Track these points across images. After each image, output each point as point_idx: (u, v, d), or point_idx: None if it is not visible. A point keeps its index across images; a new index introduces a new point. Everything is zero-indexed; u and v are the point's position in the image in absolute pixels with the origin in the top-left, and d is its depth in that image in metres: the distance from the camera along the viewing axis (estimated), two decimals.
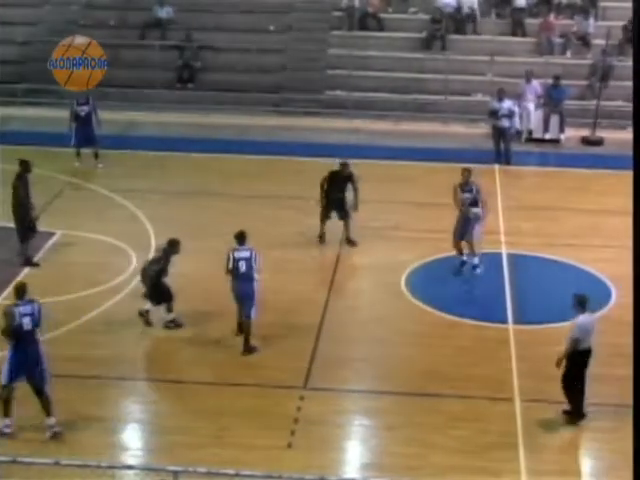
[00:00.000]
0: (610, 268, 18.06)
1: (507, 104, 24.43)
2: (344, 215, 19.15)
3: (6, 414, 13.08)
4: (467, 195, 17.81)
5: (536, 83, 26.39)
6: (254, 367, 15.12)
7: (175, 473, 10.28)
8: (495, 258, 18.58)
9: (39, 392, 13.04)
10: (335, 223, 19.26)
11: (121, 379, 14.82)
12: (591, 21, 28.96)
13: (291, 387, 14.47)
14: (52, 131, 24.64)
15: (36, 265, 18.25)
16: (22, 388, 13.08)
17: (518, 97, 25.78)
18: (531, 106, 26.14)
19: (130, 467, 12.32)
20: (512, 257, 18.83)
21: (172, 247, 15.86)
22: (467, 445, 13.15)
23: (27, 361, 12.96)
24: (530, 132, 26.36)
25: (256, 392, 14.36)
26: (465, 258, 18.00)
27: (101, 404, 14.03)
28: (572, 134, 26.39)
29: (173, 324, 16.15)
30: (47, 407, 13.09)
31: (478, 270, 17.92)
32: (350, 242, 19.29)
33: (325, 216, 19.07)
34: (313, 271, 18.68)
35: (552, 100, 26.27)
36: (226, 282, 15.79)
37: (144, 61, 28.96)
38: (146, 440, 13.65)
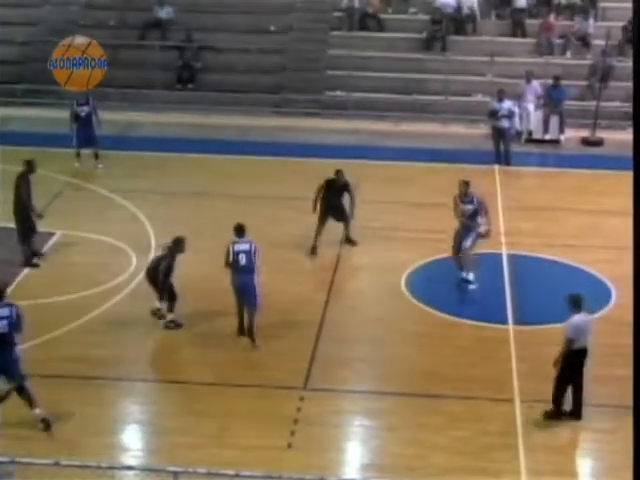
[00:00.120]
0: (610, 269, 18.06)
1: (507, 105, 24.43)
2: (344, 219, 19.09)
3: None
4: (468, 207, 17.40)
5: (536, 84, 26.39)
6: (254, 368, 15.12)
7: (175, 474, 10.27)
8: (495, 258, 18.57)
9: (20, 390, 13.01)
10: (334, 224, 19.20)
11: (121, 379, 14.81)
12: (591, 21, 28.96)
13: (291, 387, 14.46)
14: (52, 131, 24.64)
15: (36, 266, 18.25)
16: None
17: (518, 98, 25.78)
18: (531, 107, 26.14)
19: (130, 468, 12.31)
20: (512, 257, 18.83)
21: (178, 245, 15.84)
22: (467, 446, 13.14)
23: (4, 364, 12.92)
24: (530, 133, 26.35)
25: (256, 393, 14.36)
26: (464, 275, 17.56)
27: (101, 404, 14.02)
28: (572, 135, 26.39)
29: (173, 324, 16.14)
30: (30, 401, 13.06)
31: (471, 287, 17.43)
32: (350, 241, 19.28)
33: (321, 224, 18.86)
34: (313, 271, 18.68)
35: (552, 101, 26.27)
36: (226, 283, 15.81)
37: (144, 61, 28.93)
38: (146, 440, 13.65)
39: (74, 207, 21.12)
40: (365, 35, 29.55)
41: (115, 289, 17.33)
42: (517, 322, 16.42)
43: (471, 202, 17.38)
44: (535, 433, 13.48)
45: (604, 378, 14.49)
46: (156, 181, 22.58)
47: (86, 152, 23.53)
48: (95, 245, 19.19)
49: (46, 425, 13.15)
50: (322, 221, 18.85)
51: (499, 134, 24.47)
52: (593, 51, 28.22)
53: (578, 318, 13.44)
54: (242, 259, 15.42)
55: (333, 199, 18.80)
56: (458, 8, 29.47)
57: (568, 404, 13.75)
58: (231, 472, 10.39)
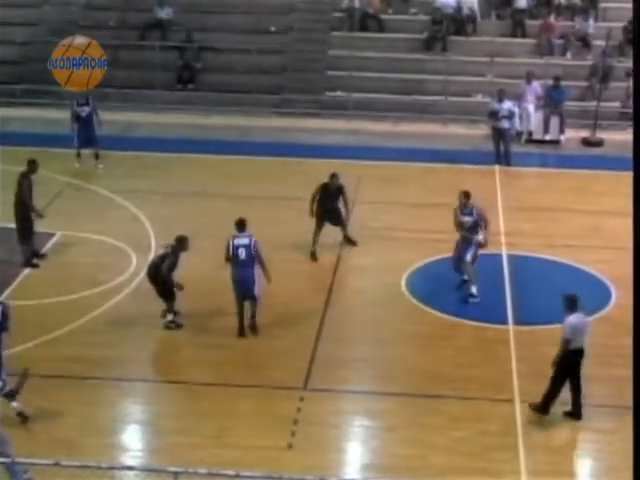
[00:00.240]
0: (610, 269, 18.06)
1: (507, 105, 24.43)
2: (340, 223, 19.05)
3: None
4: (467, 218, 17.09)
5: (536, 84, 26.39)
6: (254, 368, 15.12)
7: (175, 474, 10.27)
8: (495, 259, 18.56)
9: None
10: (332, 227, 19.13)
11: (121, 380, 14.81)
12: (591, 22, 28.95)
13: (291, 388, 14.46)
14: (51, 132, 24.67)
15: (36, 266, 18.25)
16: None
17: (518, 98, 25.79)
18: (531, 107, 26.14)
19: (130, 468, 12.33)
20: (512, 258, 18.82)
21: (181, 244, 15.84)
22: (467, 446, 13.15)
23: None
24: (530, 133, 26.35)
25: (256, 393, 14.36)
26: (465, 277, 17.42)
27: (101, 404, 14.02)
28: (572, 135, 26.39)
29: (173, 324, 16.14)
30: (10, 396, 13.05)
31: (472, 300, 17.13)
32: (350, 242, 19.27)
33: (318, 229, 18.81)
34: (313, 272, 18.66)
35: (552, 101, 26.27)
36: (226, 283, 15.82)
37: (144, 62, 28.94)
38: (146, 441, 13.65)
39: (74, 207, 21.12)
40: (365, 35, 29.54)
41: (115, 289, 17.33)
42: (517, 322, 16.42)
43: (470, 214, 17.08)
44: (535, 433, 13.48)
45: (604, 378, 14.51)
46: (156, 181, 22.58)
47: (86, 152, 23.55)
48: (95, 245, 19.20)
49: (23, 418, 13.14)
50: (319, 225, 18.82)
51: (499, 134, 24.47)
52: (593, 52, 28.21)
53: (574, 318, 13.45)
54: (242, 253, 15.52)
55: (328, 202, 18.77)
56: (458, 8, 29.46)
57: (568, 405, 13.75)
58: (231, 472, 10.38)
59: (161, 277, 15.78)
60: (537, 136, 26.30)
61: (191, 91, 28.89)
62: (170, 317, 16.12)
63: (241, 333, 15.85)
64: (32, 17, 30.16)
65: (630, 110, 25.88)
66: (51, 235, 19.45)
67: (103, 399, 14.17)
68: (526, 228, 20.29)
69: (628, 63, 24.50)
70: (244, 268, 15.58)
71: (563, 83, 26.61)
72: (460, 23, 29.37)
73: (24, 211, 18.19)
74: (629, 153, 12.28)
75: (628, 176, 11.72)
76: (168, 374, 15.34)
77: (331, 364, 15.19)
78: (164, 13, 29.77)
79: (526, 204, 21.58)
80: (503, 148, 24.41)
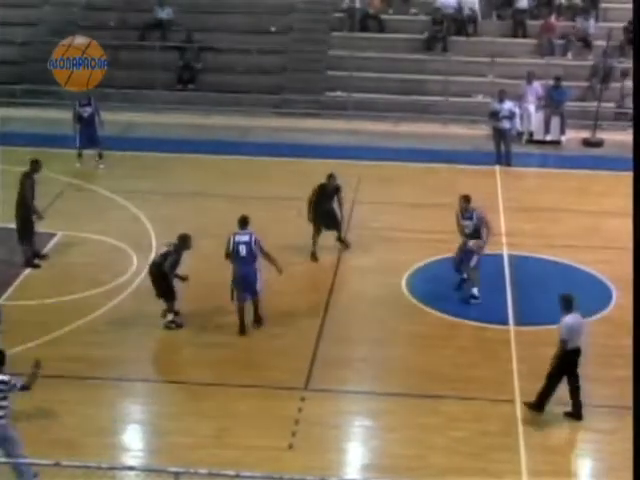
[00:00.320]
0: (611, 269, 18.07)
1: (508, 105, 24.43)
2: (335, 227, 18.98)
3: None
4: (467, 222, 16.98)
5: (537, 84, 26.39)
6: (255, 368, 15.12)
7: (176, 474, 10.28)
8: (496, 259, 18.55)
9: None
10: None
11: (122, 380, 14.82)
12: (592, 22, 28.95)
13: (292, 388, 14.46)
14: (52, 132, 24.69)
15: (37, 266, 18.25)
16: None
17: (519, 98, 25.79)
18: (532, 107, 26.14)
19: (131, 468, 12.33)
20: (513, 258, 18.83)
21: (183, 242, 15.85)
22: (467, 446, 13.15)
23: None
24: (531, 133, 26.35)
25: (257, 393, 14.36)
26: (465, 276, 17.38)
27: (102, 404, 14.03)
28: (573, 135, 26.39)
29: (174, 324, 16.14)
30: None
31: (473, 301, 17.09)
32: (343, 243, 19.15)
33: (316, 232, 18.76)
34: (314, 272, 18.66)
35: (553, 101, 26.27)
36: (227, 283, 15.82)
37: (144, 62, 28.94)
38: (147, 441, 13.65)
39: (75, 207, 21.12)
40: (366, 36, 29.54)
41: (116, 289, 17.33)
42: (518, 323, 16.42)
43: (470, 218, 16.96)
44: (535, 434, 13.48)
45: (604, 379, 14.52)
46: (156, 181, 22.58)
47: (87, 153, 23.56)
48: (96, 245, 19.20)
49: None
50: (317, 228, 18.80)
51: (500, 135, 24.46)
52: (594, 52, 28.22)
53: (570, 318, 13.46)
54: (242, 250, 15.61)
55: (324, 203, 18.74)
56: (459, 9, 29.46)
57: (569, 405, 13.75)
58: (232, 473, 10.39)
59: (163, 274, 15.77)
60: (538, 136, 26.31)
61: (191, 91, 28.89)
62: (170, 317, 16.12)
63: (242, 331, 15.88)
64: (32, 17, 30.16)
65: (625, 110, 26.07)
66: (52, 235, 19.45)
67: (104, 399, 14.17)
68: (527, 228, 20.29)
69: (629, 63, 24.50)
70: (245, 264, 15.66)
71: (564, 83, 26.60)
72: (461, 23, 29.37)
73: (25, 211, 18.19)
74: (629, 153, 12.28)
75: (628, 176, 11.73)
76: (168, 374, 15.34)
77: (332, 364, 15.19)
78: (164, 13, 29.77)
79: (527, 204, 21.58)
80: (504, 148, 24.41)
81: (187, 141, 25.72)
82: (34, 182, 18.40)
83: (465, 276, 17.36)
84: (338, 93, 28.41)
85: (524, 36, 29.39)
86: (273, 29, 29.80)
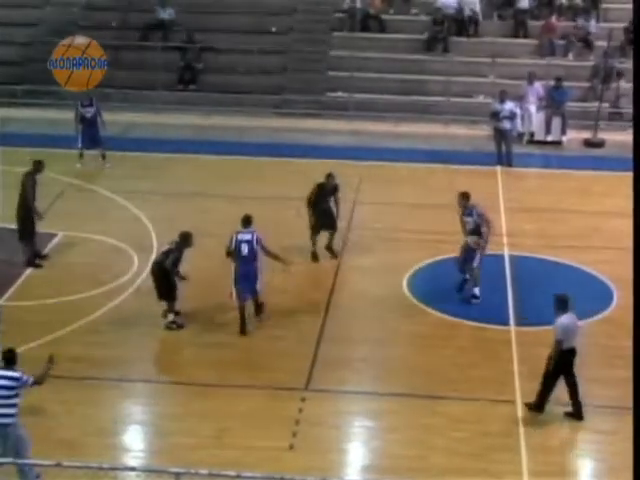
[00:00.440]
0: (611, 269, 18.06)
1: (509, 106, 24.44)
2: (332, 226, 18.95)
3: None
4: (467, 219, 16.97)
5: (538, 85, 26.39)
6: (256, 368, 15.11)
7: (177, 475, 10.28)
8: (497, 259, 18.54)
9: None
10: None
11: (122, 380, 14.81)
12: (593, 22, 28.97)
13: (292, 388, 14.46)
14: (52, 132, 24.68)
15: (38, 266, 18.25)
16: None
17: (520, 99, 25.80)
18: (533, 108, 26.14)
19: (132, 469, 12.32)
20: (514, 258, 18.83)
21: (185, 240, 15.86)
22: (468, 447, 13.14)
23: None
24: (532, 134, 26.35)
25: (257, 393, 14.35)
26: (467, 277, 17.35)
27: (103, 405, 14.02)
28: (574, 136, 26.39)
29: (175, 325, 16.14)
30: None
31: (474, 301, 17.10)
32: (331, 251, 18.98)
33: (316, 232, 18.71)
34: (314, 272, 18.66)
35: (554, 102, 26.27)
36: (227, 283, 15.81)
37: (145, 62, 28.95)
38: (147, 441, 13.65)
39: (76, 208, 21.11)
40: (366, 36, 29.55)
41: (117, 289, 17.33)
42: (519, 323, 16.42)
43: (470, 214, 16.93)
44: (536, 434, 13.47)
45: (605, 379, 14.51)
46: (157, 182, 22.58)
47: (89, 153, 23.57)
48: (97, 246, 19.21)
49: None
50: (316, 229, 18.77)
51: (501, 135, 24.47)
52: (595, 52, 28.22)
53: (565, 319, 13.47)
54: (244, 249, 15.66)
55: (323, 202, 18.73)
56: (460, 9, 29.46)
57: (569, 406, 13.75)
58: (232, 473, 10.38)
59: (165, 272, 15.77)
60: (539, 137, 26.31)
61: (192, 92, 28.91)
62: (171, 317, 16.12)
63: (242, 330, 15.88)
64: (32, 17, 30.17)
65: (620, 110, 26.10)
66: (53, 236, 19.45)
67: (104, 399, 14.17)
68: (528, 229, 20.29)
69: (630, 64, 24.49)
70: (247, 263, 15.71)
71: (565, 84, 26.62)
72: (461, 23, 29.37)
73: (26, 212, 18.18)
74: (630, 154, 12.27)
75: (629, 177, 11.72)
76: (169, 374, 15.34)
77: (333, 364, 15.19)
78: (166, 14, 29.79)
79: (528, 205, 21.58)
80: (505, 149, 24.41)
81: (188, 141, 25.73)
82: (36, 182, 18.40)
83: (467, 277, 17.35)
84: (339, 93, 28.42)
85: (525, 36, 29.40)
86: (274, 29, 29.81)
